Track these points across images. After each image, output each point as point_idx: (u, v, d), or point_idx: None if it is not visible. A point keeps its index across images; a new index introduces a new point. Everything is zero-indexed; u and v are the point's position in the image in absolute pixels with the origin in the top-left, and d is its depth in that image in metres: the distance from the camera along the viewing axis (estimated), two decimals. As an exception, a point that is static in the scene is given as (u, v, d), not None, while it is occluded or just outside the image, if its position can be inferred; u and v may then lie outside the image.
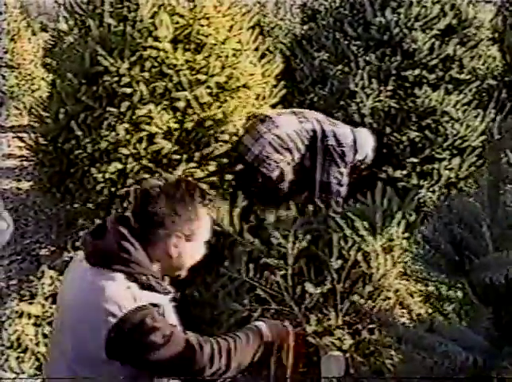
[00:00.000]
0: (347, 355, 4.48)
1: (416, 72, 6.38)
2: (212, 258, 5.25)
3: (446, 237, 1.75)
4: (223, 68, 5.41)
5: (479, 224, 1.75)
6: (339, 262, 4.49)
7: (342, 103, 6.54)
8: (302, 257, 4.66)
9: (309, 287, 4.33)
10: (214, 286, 4.97)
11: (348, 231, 4.51)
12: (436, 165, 6.36)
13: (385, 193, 4.83)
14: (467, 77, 6.51)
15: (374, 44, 6.56)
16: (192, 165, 5.30)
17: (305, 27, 8.43)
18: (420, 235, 1.75)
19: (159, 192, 2.23)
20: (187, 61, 5.39)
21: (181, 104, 5.36)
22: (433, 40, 6.43)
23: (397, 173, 6.36)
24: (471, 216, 1.76)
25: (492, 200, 1.73)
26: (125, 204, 5.12)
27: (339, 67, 6.63)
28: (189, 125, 5.29)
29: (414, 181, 6.23)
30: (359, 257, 4.56)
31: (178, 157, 5.30)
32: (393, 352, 4.65)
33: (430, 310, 3.94)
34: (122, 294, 2.12)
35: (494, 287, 1.67)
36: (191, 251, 2.32)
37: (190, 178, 2.40)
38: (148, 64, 5.33)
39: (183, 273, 2.39)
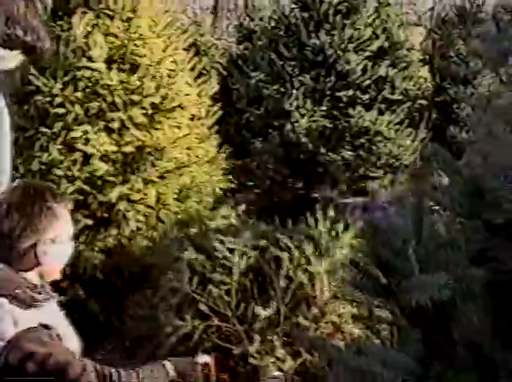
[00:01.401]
0: (288, 376, 4.50)
1: (350, 92, 6.52)
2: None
3: (373, 259, 1.78)
4: (157, 88, 5.38)
5: (405, 245, 1.79)
6: (285, 282, 4.50)
7: (277, 122, 6.62)
8: (248, 274, 4.65)
9: (258, 310, 4.33)
10: (154, 300, 4.91)
11: (296, 253, 4.52)
12: (370, 184, 6.50)
13: (326, 214, 4.86)
14: (399, 97, 6.69)
15: (309, 64, 6.67)
16: (128, 186, 5.25)
17: (241, 47, 8.50)
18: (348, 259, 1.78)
19: (8, 208, 2.17)
20: (121, 82, 5.34)
21: (116, 125, 5.30)
22: (366, 61, 6.58)
23: (333, 193, 6.46)
24: (397, 238, 1.80)
25: (417, 223, 1.77)
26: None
27: (275, 87, 6.71)
28: (127, 149, 5.25)
29: (350, 200, 6.34)
30: (305, 279, 4.58)
31: (114, 179, 5.24)
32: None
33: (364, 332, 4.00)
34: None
35: (421, 309, 1.71)
36: (59, 253, 2.28)
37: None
38: (81, 84, 5.26)
39: (57, 276, 2.35)
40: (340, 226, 4.88)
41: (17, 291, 2.10)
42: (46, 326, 2.13)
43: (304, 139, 6.48)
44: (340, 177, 6.54)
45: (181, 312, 4.74)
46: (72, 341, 2.27)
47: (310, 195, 6.50)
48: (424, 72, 8.00)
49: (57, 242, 2.23)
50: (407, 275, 1.75)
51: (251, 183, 6.79)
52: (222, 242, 4.70)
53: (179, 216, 5.44)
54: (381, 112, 6.61)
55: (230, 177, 6.13)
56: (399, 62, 6.77)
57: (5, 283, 2.10)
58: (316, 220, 4.75)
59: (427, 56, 8.39)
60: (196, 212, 5.55)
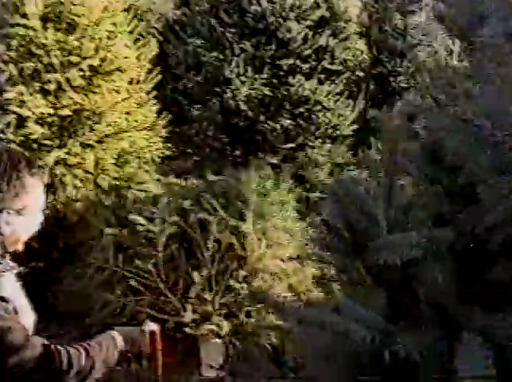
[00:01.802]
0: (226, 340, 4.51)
1: (291, 61, 6.50)
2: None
3: (342, 221, 1.78)
4: (96, 50, 5.21)
5: (374, 207, 1.79)
6: (214, 244, 4.46)
7: (217, 89, 6.53)
8: (173, 242, 4.57)
9: (195, 276, 4.30)
10: (84, 277, 4.79)
11: (221, 212, 4.48)
12: (308, 152, 6.53)
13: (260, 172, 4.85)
14: (339, 68, 6.71)
15: (250, 32, 6.59)
16: (65, 150, 5.08)
17: (178, 12, 8.30)
18: (319, 219, 1.77)
19: None
20: (58, 41, 5.13)
21: (52, 87, 5.11)
22: (307, 30, 6.56)
23: (274, 160, 6.47)
24: (366, 200, 1.80)
25: (386, 186, 1.77)
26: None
27: (214, 53, 6.61)
28: (64, 112, 5.06)
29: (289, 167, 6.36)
30: (234, 240, 4.57)
31: (50, 143, 5.06)
32: (271, 333, 4.74)
33: (320, 291, 4.04)
34: None
35: (388, 269, 1.72)
36: (25, 225, 2.19)
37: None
38: (15, 43, 5.03)
39: (19, 247, 2.26)
40: (269, 183, 4.90)
41: None
42: (2, 298, 2.03)
43: (243, 107, 6.44)
44: (279, 145, 6.54)
45: (112, 288, 4.65)
46: (28, 316, 2.17)
47: (249, 163, 6.48)
48: (361, 44, 8.07)
49: (23, 214, 2.13)
50: (375, 236, 1.76)
51: (190, 150, 6.70)
52: (140, 212, 4.58)
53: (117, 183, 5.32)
54: (320, 82, 6.61)
55: (169, 144, 6.02)
56: (339, 32, 6.78)
57: None
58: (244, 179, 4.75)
59: (364, 29, 8.43)
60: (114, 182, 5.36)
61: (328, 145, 6.42)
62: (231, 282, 4.54)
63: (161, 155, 5.94)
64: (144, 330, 2.42)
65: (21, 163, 2.13)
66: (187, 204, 4.71)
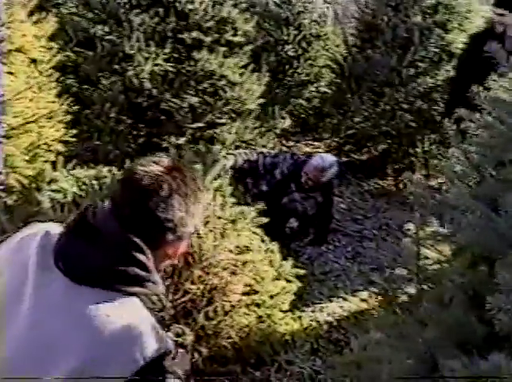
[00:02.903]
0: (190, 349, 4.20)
1: (194, 34, 6.10)
2: None
3: None
4: (-6, 28, 4.50)
5: None
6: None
7: (116, 67, 5.99)
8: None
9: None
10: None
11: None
12: (217, 131, 6.24)
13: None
14: (241, 40, 6.42)
15: (147, 3, 6.09)
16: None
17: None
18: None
19: (170, 192, 1.70)
20: None
21: None
22: (207, 1, 6.19)
23: (180, 141, 6.09)
24: None
25: None
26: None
27: (109, 27, 6.04)
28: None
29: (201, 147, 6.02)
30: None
31: None
32: (232, 333, 4.50)
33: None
34: (148, 334, 1.61)
35: None
36: (182, 249, 1.86)
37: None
38: None
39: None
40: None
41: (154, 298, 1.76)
42: None
43: (147, 85, 5.97)
44: (186, 124, 6.18)
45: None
46: None
47: (158, 144, 6.06)
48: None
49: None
50: None
51: (88, 134, 6.13)
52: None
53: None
54: (224, 56, 6.30)
55: (74, 131, 5.43)
56: (239, 3, 6.47)
57: (150, 284, 1.74)
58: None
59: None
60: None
61: (238, 122, 6.16)
62: (187, 285, 4.22)
63: (66, 145, 5.35)
64: None
65: (198, 179, 1.84)
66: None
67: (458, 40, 7.29)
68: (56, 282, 1.64)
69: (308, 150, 8.03)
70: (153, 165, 1.72)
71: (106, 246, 1.66)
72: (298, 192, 5.82)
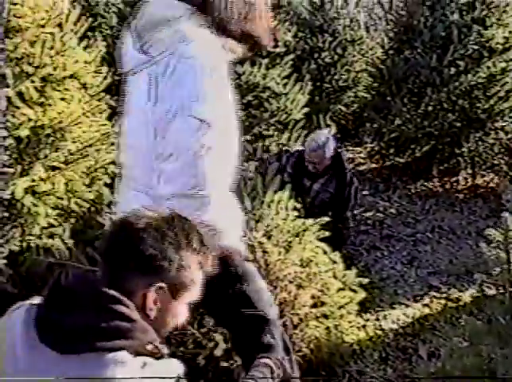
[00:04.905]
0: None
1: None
2: None
3: None
4: (51, 56, 4.55)
5: None
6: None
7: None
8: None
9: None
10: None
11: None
12: (266, 143, 6.22)
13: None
14: (282, 50, 6.42)
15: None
16: (31, 178, 4.42)
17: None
18: None
19: (146, 227, 1.68)
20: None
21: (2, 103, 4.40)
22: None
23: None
24: None
25: None
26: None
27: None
28: (23, 132, 4.38)
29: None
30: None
31: (11, 170, 4.38)
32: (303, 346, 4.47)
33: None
34: None
35: None
36: (175, 310, 1.76)
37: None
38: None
39: (159, 339, 1.81)
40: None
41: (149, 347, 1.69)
42: None
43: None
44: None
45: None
46: None
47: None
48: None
49: (177, 297, 1.76)
50: None
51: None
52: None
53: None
54: (267, 67, 6.30)
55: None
56: (278, 13, 6.46)
57: (139, 334, 1.67)
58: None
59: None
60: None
61: (287, 133, 6.14)
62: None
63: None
64: None
65: (194, 236, 1.79)
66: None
67: (498, 36, 7.22)
68: (45, 357, 1.60)
69: (349, 155, 8.00)
70: (148, 212, 1.74)
71: (83, 305, 1.62)
72: (314, 182, 5.62)
